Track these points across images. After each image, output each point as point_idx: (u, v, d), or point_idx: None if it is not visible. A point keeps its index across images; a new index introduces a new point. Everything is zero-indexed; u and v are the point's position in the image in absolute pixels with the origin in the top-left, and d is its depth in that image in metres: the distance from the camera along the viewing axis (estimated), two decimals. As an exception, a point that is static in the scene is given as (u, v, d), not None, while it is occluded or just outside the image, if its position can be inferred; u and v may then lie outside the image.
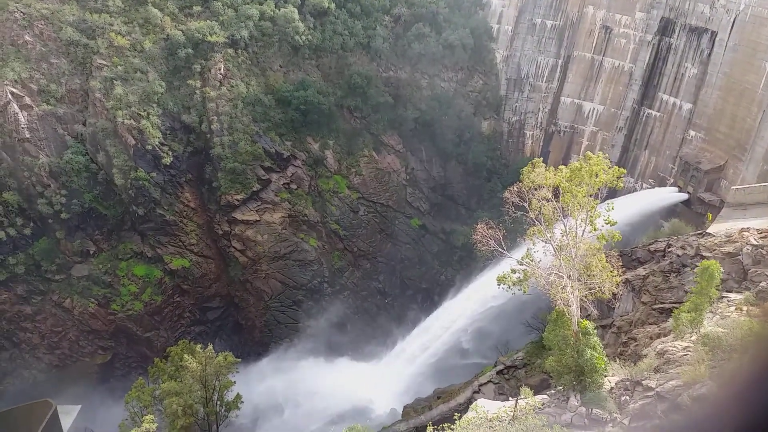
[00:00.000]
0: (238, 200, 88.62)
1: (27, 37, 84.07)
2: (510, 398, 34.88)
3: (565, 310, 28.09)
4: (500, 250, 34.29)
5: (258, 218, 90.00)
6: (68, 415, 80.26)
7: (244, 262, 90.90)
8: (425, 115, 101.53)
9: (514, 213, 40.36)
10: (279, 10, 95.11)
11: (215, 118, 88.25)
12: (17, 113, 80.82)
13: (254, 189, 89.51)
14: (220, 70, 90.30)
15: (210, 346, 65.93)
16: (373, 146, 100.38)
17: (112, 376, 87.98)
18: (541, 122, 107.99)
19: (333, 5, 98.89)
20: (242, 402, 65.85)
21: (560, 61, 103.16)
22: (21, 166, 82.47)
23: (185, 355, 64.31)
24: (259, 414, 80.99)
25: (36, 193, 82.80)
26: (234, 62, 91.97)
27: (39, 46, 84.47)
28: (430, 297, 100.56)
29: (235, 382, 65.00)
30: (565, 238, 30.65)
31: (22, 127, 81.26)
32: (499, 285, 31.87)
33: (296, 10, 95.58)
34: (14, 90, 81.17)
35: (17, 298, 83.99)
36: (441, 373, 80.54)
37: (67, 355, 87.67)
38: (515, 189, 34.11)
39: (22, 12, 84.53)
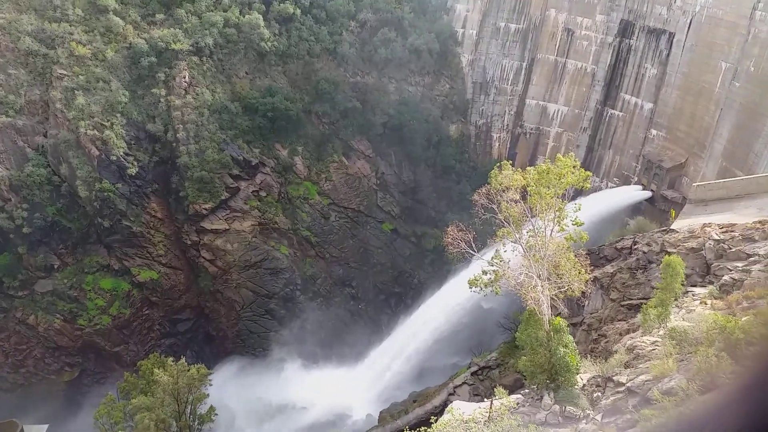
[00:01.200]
0: (206, 209, 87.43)
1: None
2: (485, 399, 35.13)
3: (536, 309, 28.42)
4: (471, 251, 34.53)
5: (227, 227, 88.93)
6: (35, 435, 78.03)
7: (214, 272, 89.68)
8: (393, 119, 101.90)
9: (484, 215, 40.74)
10: (244, 17, 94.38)
11: (181, 126, 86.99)
12: (-26, 126, 78.33)
13: (222, 197, 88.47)
14: (184, 78, 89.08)
15: (182, 359, 64.83)
16: (343, 151, 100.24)
17: (80, 393, 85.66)
18: (508, 124, 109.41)
19: (298, 11, 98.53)
20: (216, 414, 64.84)
21: (524, 64, 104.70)
22: (-21, 180, 79.94)
23: (156, 369, 63.07)
24: (234, 424, 79.88)
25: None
26: (199, 70, 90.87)
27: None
28: (403, 301, 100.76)
29: (208, 395, 63.95)
30: (533, 238, 31.03)
31: (-21, 140, 78.79)
32: (471, 288, 32.07)
33: (261, 17, 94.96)
34: (-30, 102, 78.66)
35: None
36: (417, 376, 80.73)
37: (32, 373, 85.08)
38: (484, 191, 34.40)
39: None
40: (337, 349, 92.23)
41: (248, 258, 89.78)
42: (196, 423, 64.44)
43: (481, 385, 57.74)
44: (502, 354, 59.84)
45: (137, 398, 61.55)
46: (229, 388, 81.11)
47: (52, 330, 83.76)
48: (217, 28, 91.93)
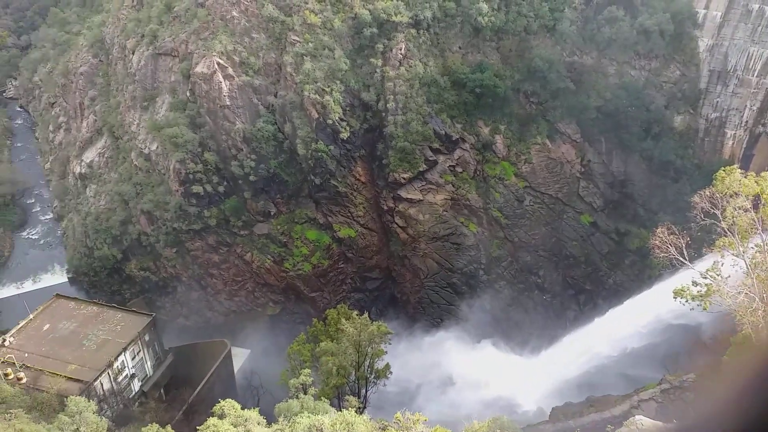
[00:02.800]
0: (404, 179, 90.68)
1: (234, 13, 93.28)
2: (674, 420, 31.62)
3: (753, 335, 24.46)
4: (681, 259, 30.92)
5: (421, 198, 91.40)
6: (239, 356, 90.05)
7: (405, 239, 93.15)
8: (609, 104, 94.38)
9: (703, 220, 35.93)
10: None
11: (392, 97, 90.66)
12: (221, 82, 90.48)
13: (421, 169, 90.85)
14: (401, 50, 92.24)
15: (366, 314, 69.00)
16: (548, 134, 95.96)
17: (278, 328, 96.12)
18: (747, 121, 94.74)
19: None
20: (390, 373, 68.07)
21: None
22: (220, 130, 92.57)
23: (342, 320, 68.07)
24: (403, 388, 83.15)
25: (230, 155, 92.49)
26: (415, 42, 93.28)
27: (243, 21, 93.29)
28: (593, 300, 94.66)
29: (386, 352, 67.33)
30: (761, 254, 26.60)
31: (224, 95, 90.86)
32: (675, 298, 28.71)
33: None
34: (220, 61, 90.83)
35: (208, 247, 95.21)
36: (596, 380, 75.80)
37: (243, 303, 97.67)
38: (707, 194, 30.47)
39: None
40: (514, 334, 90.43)
41: (437, 230, 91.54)
42: (372, 376, 68.48)
43: (671, 406, 52.19)
44: (700, 377, 53.24)
45: (324, 342, 67.24)
46: (404, 350, 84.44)
47: (263, 268, 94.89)
48: (437, 2, 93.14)
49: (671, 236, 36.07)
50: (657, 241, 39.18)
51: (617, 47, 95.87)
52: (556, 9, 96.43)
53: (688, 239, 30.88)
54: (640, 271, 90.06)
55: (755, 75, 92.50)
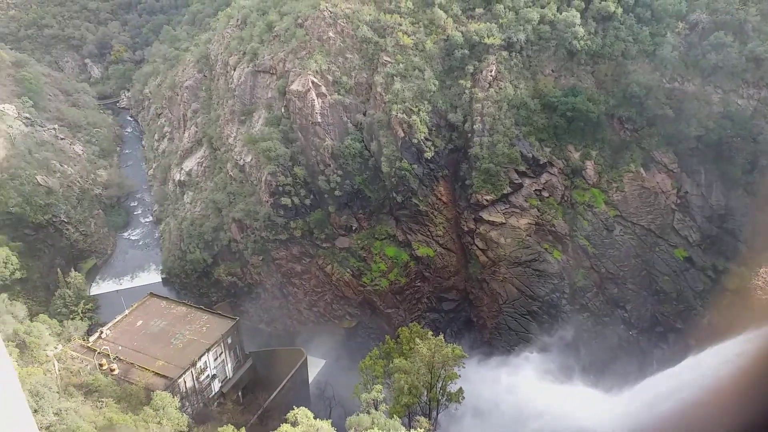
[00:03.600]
0: (487, 200, 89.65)
1: (331, 33, 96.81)
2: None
3: None
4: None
5: (504, 221, 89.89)
6: (314, 366, 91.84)
7: (484, 262, 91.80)
8: (712, 133, 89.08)
9: (814, 263, 33.02)
10: (560, 13, 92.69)
11: (479, 118, 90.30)
12: (314, 100, 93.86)
13: (505, 192, 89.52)
14: (491, 71, 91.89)
15: (441, 336, 68.47)
16: (642, 162, 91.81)
17: (353, 341, 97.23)
18: None
19: (620, 10, 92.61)
20: (463, 398, 66.96)
21: None
22: (310, 146, 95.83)
23: (416, 338, 67.87)
24: (478, 414, 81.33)
25: (318, 170, 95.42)
26: (506, 65, 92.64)
27: (339, 42, 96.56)
28: (684, 339, 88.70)
29: (459, 376, 66.36)
30: None
31: (316, 113, 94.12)
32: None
33: (578, 14, 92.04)
34: (314, 79, 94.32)
35: (292, 257, 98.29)
36: (686, 425, 70.77)
37: (321, 314, 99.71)
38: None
39: (330, 11, 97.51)
40: (596, 370, 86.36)
41: (519, 255, 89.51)
42: (444, 399, 67.69)
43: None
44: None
45: (397, 360, 67.29)
46: (479, 376, 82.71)
47: (342, 281, 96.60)
48: (531, 24, 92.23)
49: (776, 278, 33.54)
50: (760, 282, 36.52)
51: (723, 74, 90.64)
52: (657, 34, 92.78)
53: (796, 283, 28.48)
54: (738, 312, 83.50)
55: None
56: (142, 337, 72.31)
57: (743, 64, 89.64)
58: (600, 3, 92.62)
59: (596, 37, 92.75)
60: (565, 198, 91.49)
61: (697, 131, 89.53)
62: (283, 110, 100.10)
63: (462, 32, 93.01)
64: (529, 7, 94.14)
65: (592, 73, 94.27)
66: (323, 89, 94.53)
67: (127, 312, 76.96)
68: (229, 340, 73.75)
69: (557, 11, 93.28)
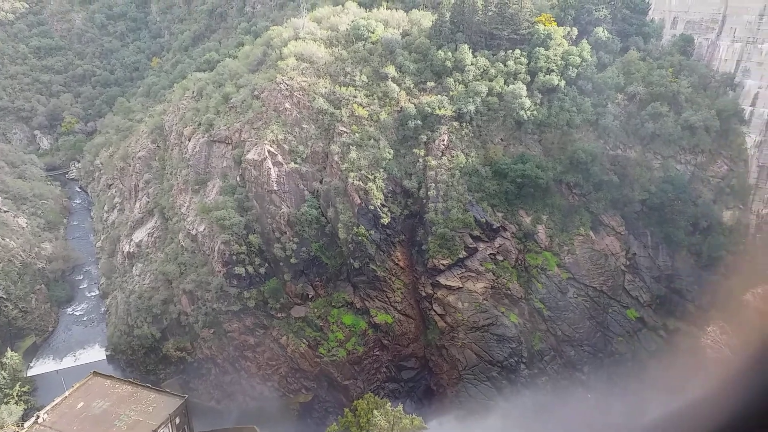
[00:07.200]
0: (443, 265, 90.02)
1: (287, 105, 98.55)
2: None
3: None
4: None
5: (461, 285, 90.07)
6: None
7: (443, 327, 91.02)
8: (654, 197, 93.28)
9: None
10: (508, 86, 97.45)
11: (433, 185, 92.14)
12: (270, 168, 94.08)
13: (460, 256, 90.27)
14: (443, 141, 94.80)
15: (400, 406, 66.44)
16: (591, 225, 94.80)
17: (309, 416, 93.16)
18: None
19: (563, 82, 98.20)
20: (425, 471, 64.33)
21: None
22: (266, 213, 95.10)
23: (375, 411, 65.63)
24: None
25: (274, 238, 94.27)
26: (457, 134, 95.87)
27: (295, 113, 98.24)
28: (641, 402, 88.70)
29: (420, 448, 63.97)
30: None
31: (272, 181, 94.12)
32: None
33: (524, 87, 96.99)
34: (271, 149, 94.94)
35: (245, 329, 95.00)
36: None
37: (276, 388, 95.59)
38: (759, 292, 28.97)
39: (286, 83, 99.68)
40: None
41: (477, 320, 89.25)
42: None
43: None
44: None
45: (355, 434, 64.59)
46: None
47: (297, 353, 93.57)
48: (480, 97, 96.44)
49: (723, 336, 34.19)
50: (709, 341, 37.19)
51: (661, 142, 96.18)
52: (599, 104, 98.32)
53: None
54: (692, 372, 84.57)
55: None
56: (82, 421, 67.47)
57: (679, 132, 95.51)
58: (544, 76, 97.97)
59: (542, 108, 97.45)
60: (519, 261, 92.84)
61: (641, 195, 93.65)
62: (238, 179, 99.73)
63: (415, 104, 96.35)
64: (478, 80, 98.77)
65: (539, 142, 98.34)
66: (279, 158, 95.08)
67: (67, 393, 72.04)
68: (177, 420, 69.61)
69: (504, 84, 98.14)
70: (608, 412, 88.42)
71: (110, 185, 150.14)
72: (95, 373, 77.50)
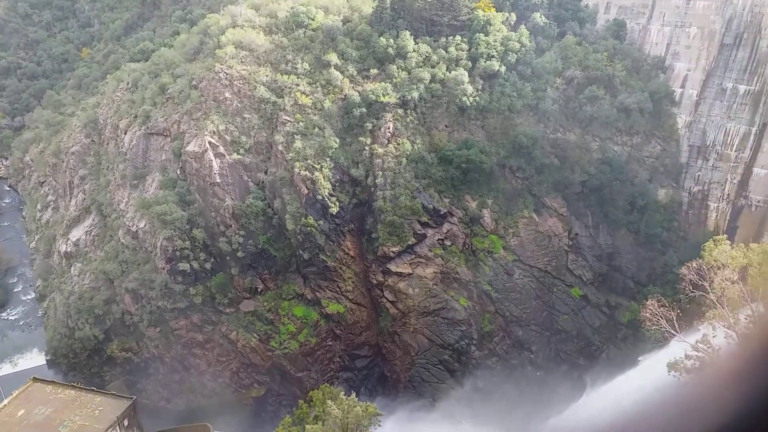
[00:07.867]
0: (393, 252, 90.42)
1: (227, 94, 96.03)
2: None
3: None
4: (672, 331, 30.38)
5: (411, 271, 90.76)
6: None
7: (394, 314, 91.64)
8: (594, 179, 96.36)
9: (692, 292, 35.66)
10: (450, 72, 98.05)
11: (380, 173, 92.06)
12: (212, 160, 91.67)
13: (410, 243, 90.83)
14: (389, 128, 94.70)
15: (353, 395, 66.51)
16: (534, 208, 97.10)
17: (263, 411, 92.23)
18: (729, 194, 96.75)
19: (503, 68, 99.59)
20: (381, 457, 64.73)
21: (754, 129, 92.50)
22: (209, 207, 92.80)
23: (328, 401, 65.53)
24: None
25: (219, 232, 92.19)
26: (402, 122, 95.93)
27: (236, 102, 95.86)
28: (588, 375, 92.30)
29: (374, 435, 64.23)
30: (752, 326, 26.24)
31: (215, 173, 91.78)
32: (669, 372, 27.93)
33: (466, 73, 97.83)
34: (212, 140, 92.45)
35: (192, 326, 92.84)
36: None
37: (227, 384, 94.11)
38: (694, 266, 30.36)
39: (225, 72, 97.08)
40: (509, 414, 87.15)
41: (427, 304, 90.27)
42: (361, 461, 65.04)
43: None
44: None
45: (311, 425, 64.31)
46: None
47: (248, 347, 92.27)
48: (423, 84, 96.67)
49: (661, 308, 35.69)
50: (647, 314, 38.74)
51: (599, 124, 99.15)
52: (538, 89, 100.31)
53: (679, 311, 30.46)
54: (632, 344, 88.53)
55: (734, 150, 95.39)
56: (24, 429, 64.81)
57: (615, 114, 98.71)
58: (485, 62, 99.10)
59: (484, 94, 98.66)
60: (467, 245, 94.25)
61: (581, 177, 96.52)
62: (178, 172, 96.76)
63: (359, 92, 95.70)
64: (420, 67, 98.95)
65: (482, 127, 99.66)
66: (221, 149, 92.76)
67: (6, 401, 68.87)
68: (126, 423, 67.64)
69: (447, 70, 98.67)
70: (556, 389, 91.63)
71: (42, 183, 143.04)
72: (35, 379, 74.43)
